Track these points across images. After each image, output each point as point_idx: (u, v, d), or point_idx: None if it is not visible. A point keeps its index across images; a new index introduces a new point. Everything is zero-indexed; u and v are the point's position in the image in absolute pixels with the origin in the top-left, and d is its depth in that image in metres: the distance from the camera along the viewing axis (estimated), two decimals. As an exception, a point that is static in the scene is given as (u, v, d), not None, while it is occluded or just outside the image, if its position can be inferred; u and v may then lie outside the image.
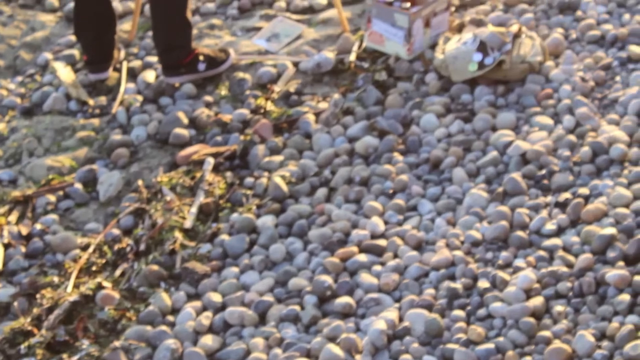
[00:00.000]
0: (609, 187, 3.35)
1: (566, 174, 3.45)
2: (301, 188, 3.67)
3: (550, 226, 3.26)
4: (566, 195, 3.36)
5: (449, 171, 3.61)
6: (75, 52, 4.59)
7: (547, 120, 3.72)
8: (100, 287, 3.35)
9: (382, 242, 3.34)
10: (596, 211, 3.25)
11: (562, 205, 3.33)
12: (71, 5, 4.89)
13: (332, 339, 3.00)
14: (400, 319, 3.05)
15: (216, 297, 3.25)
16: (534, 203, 3.37)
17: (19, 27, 4.85)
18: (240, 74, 4.31)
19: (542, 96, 3.86)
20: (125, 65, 4.46)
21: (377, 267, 3.26)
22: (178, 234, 3.52)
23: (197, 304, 3.25)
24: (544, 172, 3.48)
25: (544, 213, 3.32)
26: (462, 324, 2.98)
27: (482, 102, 3.89)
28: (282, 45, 4.53)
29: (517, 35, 4.03)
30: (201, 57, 4.27)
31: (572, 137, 3.61)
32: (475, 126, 3.78)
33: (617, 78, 3.92)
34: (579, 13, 4.32)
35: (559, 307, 2.97)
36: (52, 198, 3.80)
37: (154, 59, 4.45)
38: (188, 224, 3.56)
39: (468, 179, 3.56)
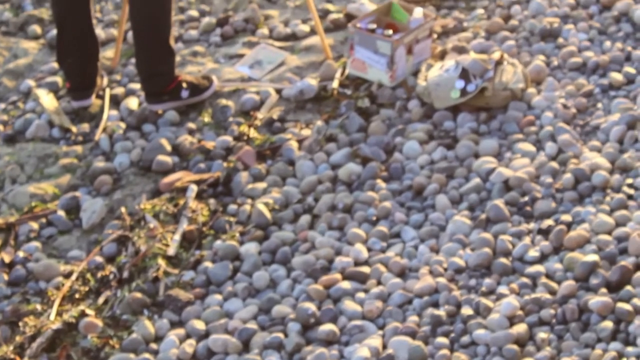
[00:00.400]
0: (592, 213, 3.38)
1: (549, 200, 3.49)
2: (284, 215, 3.68)
3: (533, 253, 3.29)
4: (549, 222, 3.39)
5: (432, 198, 3.64)
6: (58, 79, 4.61)
7: (530, 147, 3.76)
8: (83, 314, 3.35)
9: (365, 269, 3.36)
10: (579, 238, 3.29)
11: (544, 232, 3.37)
12: (54, 32, 4.91)
13: (316, 366, 3.01)
14: (384, 347, 3.07)
15: (200, 325, 3.26)
16: (517, 230, 3.40)
17: (2, 55, 4.86)
18: (223, 101, 4.34)
19: (524, 123, 3.90)
20: (108, 92, 4.47)
21: (361, 295, 3.28)
22: (161, 262, 3.53)
23: (181, 331, 3.26)
24: (526, 199, 3.52)
25: (527, 240, 3.36)
26: (445, 352, 3.00)
27: (464, 129, 3.93)
28: (265, 73, 4.56)
29: (499, 63, 4.08)
30: (184, 84, 4.30)
31: (554, 164, 3.65)
32: (458, 153, 3.81)
33: (599, 105, 3.97)
34: (560, 40, 4.38)
35: (542, 334, 3.00)
36: (35, 225, 3.81)
37: (137, 86, 4.47)
38: (171, 251, 3.57)
39: (451, 206, 3.59)
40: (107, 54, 4.75)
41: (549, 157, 3.70)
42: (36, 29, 5.07)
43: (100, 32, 4.86)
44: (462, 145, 3.83)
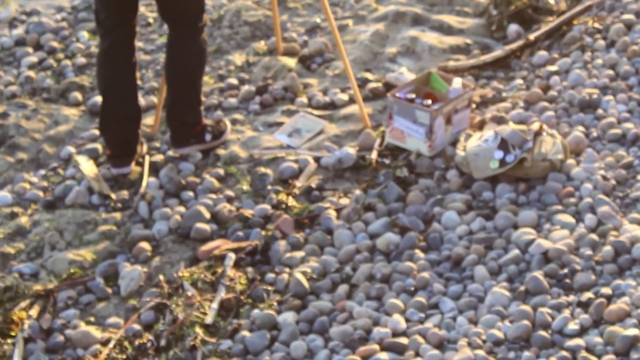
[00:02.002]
0: (632, 287, 3.41)
1: (588, 273, 3.53)
2: (322, 284, 3.75)
3: (573, 326, 3.32)
4: (588, 294, 3.43)
5: (471, 269, 3.69)
6: (99, 146, 4.74)
7: (569, 219, 3.81)
8: (120, 382, 3.42)
9: (403, 340, 3.41)
10: (619, 311, 3.31)
11: (584, 305, 3.40)
12: (95, 99, 5.08)
13: None
14: (422, 419, 3.10)
15: (237, 395, 3.31)
16: (556, 302, 3.44)
17: (43, 121, 5.01)
18: (262, 169, 4.44)
19: (563, 194, 3.96)
20: (147, 159, 4.60)
21: (399, 366, 3.32)
22: (199, 330, 3.59)
23: (218, 401, 3.31)
24: (566, 271, 3.56)
25: (567, 312, 3.39)
26: None
27: (503, 199, 3.99)
28: (304, 141, 4.67)
29: (538, 133, 4.15)
30: (209, 128, 4.56)
31: (594, 236, 3.69)
32: (497, 224, 3.87)
33: (639, 177, 4.01)
34: (599, 111, 4.45)
35: (582, 409, 3.02)
36: (73, 292, 3.90)
37: (176, 154, 4.60)
38: (209, 319, 3.64)
39: (490, 277, 3.64)
40: (147, 121, 4.89)
41: (589, 229, 3.75)
42: (77, 95, 5.23)
43: (140, 99, 5.00)
44: (501, 216, 3.89)
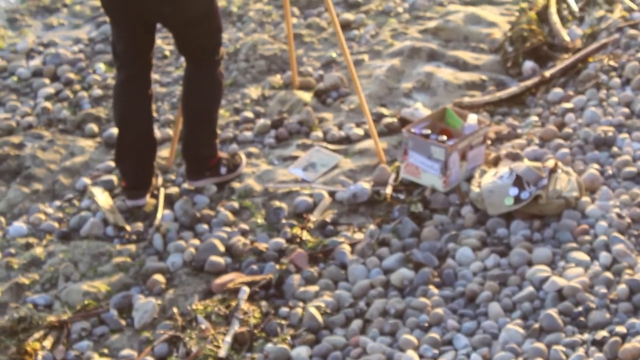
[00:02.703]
0: (647, 325, 3.43)
1: (603, 311, 3.55)
2: (336, 319, 3.78)
3: (587, 364, 3.34)
4: (603, 333, 3.44)
5: (485, 306, 3.71)
6: (114, 178, 4.80)
7: (584, 257, 3.84)
8: (133, 415, 3.45)
9: (417, 377, 3.43)
10: (634, 350, 3.32)
11: (599, 344, 3.41)
12: (110, 131, 5.15)
13: None
14: None
15: None
16: (571, 340, 3.45)
17: (59, 152, 5.08)
18: (277, 203, 4.49)
19: (578, 232, 3.99)
20: (162, 191, 4.65)
21: (412, 402, 3.34)
22: (212, 363, 3.63)
23: None
24: (580, 309, 3.58)
25: (581, 351, 3.40)
26: None
27: (518, 236, 4.02)
28: (319, 175, 4.71)
29: (553, 170, 4.19)
30: (224, 161, 4.62)
31: (608, 274, 3.71)
32: (511, 261, 3.90)
33: (654, 215, 4.05)
34: (614, 149, 4.48)
35: None
36: (87, 324, 3.94)
37: (191, 187, 4.65)
38: (222, 353, 3.67)
39: (504, 314, 3.66)
40: (163, 153, 4.94)
41: (604, 267, 3.77)
42: (93, 127, 5.30)
43: (156, 131, 5.06)
44: (516, 253, 3.92)
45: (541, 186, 4.09)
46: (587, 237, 3.95)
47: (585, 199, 4.15)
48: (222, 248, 4.24)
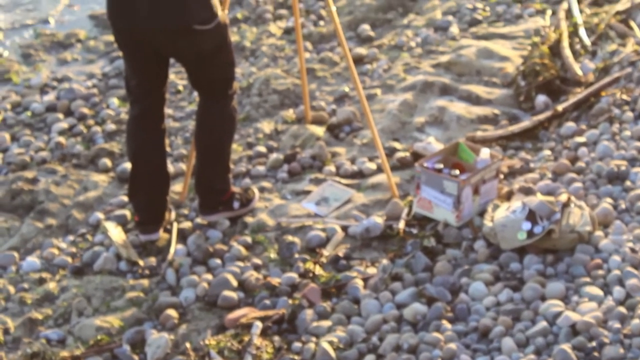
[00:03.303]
0: (661, 361, 3.44)
1: (617, 346, 3.55)
2: (349, 354, 3.79)
3: (601, 400, 3.34)
4: (617, 368, 3.46)
5: (498, 341, 3.72)
6: (127, 212, 4.85)
7: (597, 291, 3.85)
8: None
9: (430, 412, 3.44)
10: (648, 385, 3.34)
11: (613, 379, 3.43)
12: (124, 165, 5.20)
13: None
14: None
15: None
16: (585, 375, 3.47)
17: (72, 187, 5.13)
18: (289, 238, 4.52)
19: (591, 266, 4.00)
20: (175, 226, 4.70)
21: None
22: (225, 399, 3.65)
23: None
24: (594, 344, 3.58)
25: (595, 386, 3.42)
26: None
27: (531, 271, 4.04)
28: (331, 210, 4.75)
29: (566, 205, 4.21)
30: (237, 196, 4.66)
31: (622, 309, 3.72)
32: (525, 295, 3.92)
33: (668, 249, 4.06)
34: (628, 183, 4.50)
35: None
36: (100, 359, 3.96)
37: (204, 221, 4.69)
38: (235, 388, 3.70)
39: (517, 349, 3.67)
40: (176, 187, 4.99)
41: (617, 302, 3.78)
42: (107, 162, 5.36)
43: (169, 166, 5.11)
44: (529, 288, 3.93)
45: (554, 220, 4.11)
46: (601, 272, 3.97)
47: (599, 233, 4.17)
48: (234, 283, 4.27)
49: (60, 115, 5.88)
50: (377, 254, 4.41)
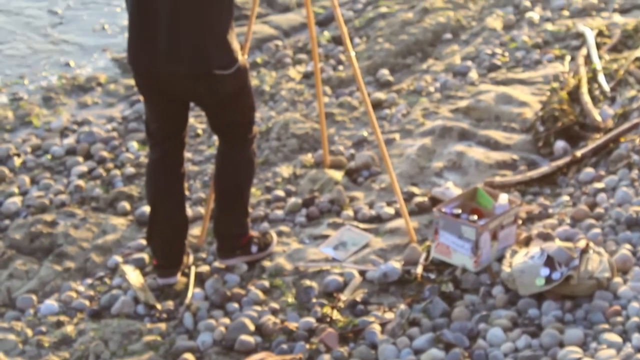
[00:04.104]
0: (680, 409, 3.44)
1: (636, 393, 3.57)
2: (366, 400, 3.82)
3: None
4: (636, 415, 3.46)
5: (516, 387, 3.74)
6: (145, 256, 4.90)
7: (616, 338, 3.86)
8: None
9: None
10: None
11: None
12: (142, 209, 5.26)
13: None
14: None
15: None
16: (603, 423, 3.47)
17: (91, 230, 5.19)
18: (307, 282, 4.56)
19: (610, 313, 4.02)
20: (193, 270, 4.74)
21: None
22: None
23: None
24: (613, 391, 3.60)
25: None
26: None
27: (549, 317, 4.05)
28: (349, 254, 4.79)
29: (584, 251, 4.23)
30: (255, 240, 4.70)
31: (641, 356, 3.74)
32: (543, 342, 3.93)
33: (687, 297, 4.07)
34: (647, 229, 4.53)
35: None
36: (117, 402, 4.01)
37: (222, 265, 4.74)
38: None
39: (535, 396, 3.69)
40: (194, 231, 5.04)
41: (636, 349, 3.78)
42: (125, 205, 5.42)
43: (187, 209, 5.16)
44: (547, 334, 3.94)
45: (573, 267, 4.13)
46: (619, 319, 3.98)
47: (617, 279, 4.19)
48: (252, 327, 4.30)
49: (80, 159, 5.95)
50: (394, 299, 4.43)
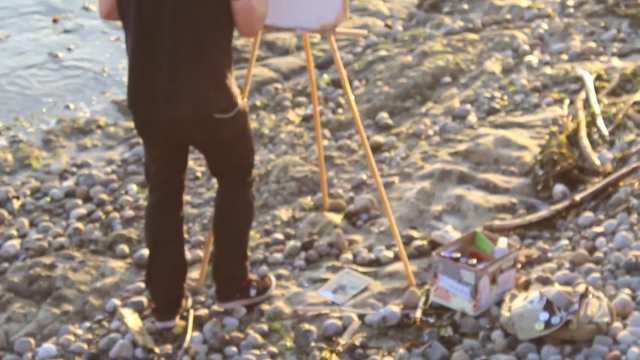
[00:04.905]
0: None
1: None
2: None
3: None
4: None
5: None
6: (144, 299, 4.91)
7: (616, 383, 3.88)
8: None
9: None
10: None
11: None
12: (142, 252, 5.28)
13: None
14: None
15: None
16: None
17: (90, 273, 5.21)
18: (306, 326, 4.57)
19: (610, 358, 4.02)
20: (192, 313, 4.75)
21: None
22: None
23: None
24: None
25: None
26: None
27: (549, 362, 4.07)
28: (349, 298, 4.80)
29: (584, 296, 4.25)
30: (254, 284, 4.72)
31: (641, 402, 3.75)
32: (543, 387, 3.94)
33: (687, 341, 4.08)
34: (646, 276, 4.55)
35: None
36: None
37: (221, 309, 4.75)
38: None
39: None
40: (193, 275, 5.06)
41: (636, 395, 3.81)
42: (125, 248, 5.44)
43: (187, 253, 5.17)
44: (547, 379, 3.96)
45: (572, 311, 4.15)
46: (619, 364, 3.99)
47: (617, 324, 4.20)
48: (251, 371, 4.32)
49: (79, 202, 5.98)
50: (394, 343, 4.44)
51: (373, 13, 9.01)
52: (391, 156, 6.25)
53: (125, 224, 5.72)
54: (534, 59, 7.51)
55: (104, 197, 6.01)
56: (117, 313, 4.85)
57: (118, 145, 6.83)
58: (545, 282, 4.56)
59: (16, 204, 5.98)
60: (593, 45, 7.58)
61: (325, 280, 4.98)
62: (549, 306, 4.19)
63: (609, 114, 6.21)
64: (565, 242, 4.99)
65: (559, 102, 6.70)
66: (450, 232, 5.16)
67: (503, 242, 4.59)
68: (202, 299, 4.92)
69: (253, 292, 4.77)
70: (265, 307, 4.78)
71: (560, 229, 5.21)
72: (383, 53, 7.90)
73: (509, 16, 8.49)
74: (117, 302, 4.96)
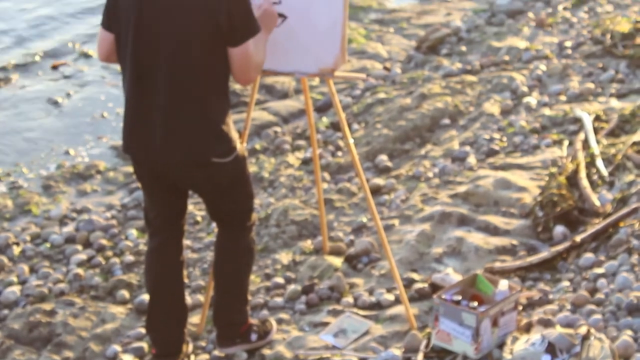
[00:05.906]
0: None
1: None
2: None
3: None
4: None
5: None
6: (144, 345, 4.91)
7: None
8: None
9: None
10: None
11: None
12: (142, 297, 5.29)
13: None
14: None
15: None
16: None
17: (90, 319, 5.21)
18: (307, 370, 4.58)
19: (613, 400, 4.04)
20: (192, 359, 4.75)
21: None
22: None
23: None
24: None
25: None
26: None
27: (551, 405, 4.07)
28: (350, 342, 4.80)
29: (585, 337, 4.25)
30: (255, 328, 4.73)
31: None
32: None
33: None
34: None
35: None
36: None
37: (222, 353, 4.75)
38: None
39: None
40: (193, 319, 5.06)
41: None
42: (125, 293, 5.45)
43: (187, 297, 5.19)
44: (550, 421, 3.96)
45: (574, 353, 4.15)
46: (622, 404, 3.99)
47: (619, 365, 4.22)
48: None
49: (79, 247, 5.99)
50: (395, 387, 4.45)
51: (371, 55, 9.10)
52: (391, 198, 6.28)
53: (125, 269, 5.73)
54: (532, 100, 7.57)
55: (104, 242, 6.03)
56: (118, 359, 4.85)
57: (117, 190, 6.86)
58: (546, 324, 4.57)
59: (16, 250, 5.99)
60: (591, 86, 7.64)
61: (326, 324, 4.98)
62: (551, 348, 4.20)
63: (608, 155, 6.24)
64: (566, 283, 5.01)
65: (558, 143, 6.74)
66: (451, 274, 5.18)
67: (504, 284, 4.60)
68: (203, 343, 4.92)
69: (254, 337, 4.77)
70: (266, 352, 4.78)
71: (561, 270, 5.22)
72: (382, 95, 7.96)
73: (506, 57, 8.56)
74: (117, 347, 4.96)
